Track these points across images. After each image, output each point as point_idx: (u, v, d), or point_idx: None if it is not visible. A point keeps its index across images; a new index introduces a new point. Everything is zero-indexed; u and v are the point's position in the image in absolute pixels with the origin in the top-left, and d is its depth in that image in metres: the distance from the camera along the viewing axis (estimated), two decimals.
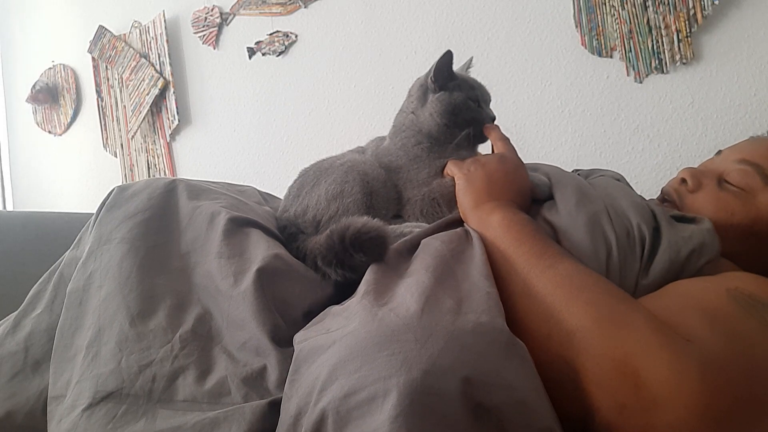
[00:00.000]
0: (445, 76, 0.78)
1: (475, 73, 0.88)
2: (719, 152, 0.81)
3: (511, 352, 0.44)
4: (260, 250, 0.63)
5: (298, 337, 0.53)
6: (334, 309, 0.56)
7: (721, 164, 0.76)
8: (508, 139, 0.78)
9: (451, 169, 0.75)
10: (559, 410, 0.44)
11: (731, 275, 0.61)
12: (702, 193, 0.74)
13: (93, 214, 0.72)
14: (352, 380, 0.40)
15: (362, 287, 0.55)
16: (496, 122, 0.82)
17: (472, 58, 0.88)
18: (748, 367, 0.45)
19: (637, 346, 0.45)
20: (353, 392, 0.39)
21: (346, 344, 0.43)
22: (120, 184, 0.74)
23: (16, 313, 0.68)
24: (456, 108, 0.77)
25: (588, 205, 0.67)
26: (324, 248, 0.63)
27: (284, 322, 0.56)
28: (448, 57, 0.77)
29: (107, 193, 0.72)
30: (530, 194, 0.73)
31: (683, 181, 0.77)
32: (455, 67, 0.82)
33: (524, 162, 0.77)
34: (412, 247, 0.63)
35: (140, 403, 0.52)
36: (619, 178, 0.81)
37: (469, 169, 0.73)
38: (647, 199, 0.78)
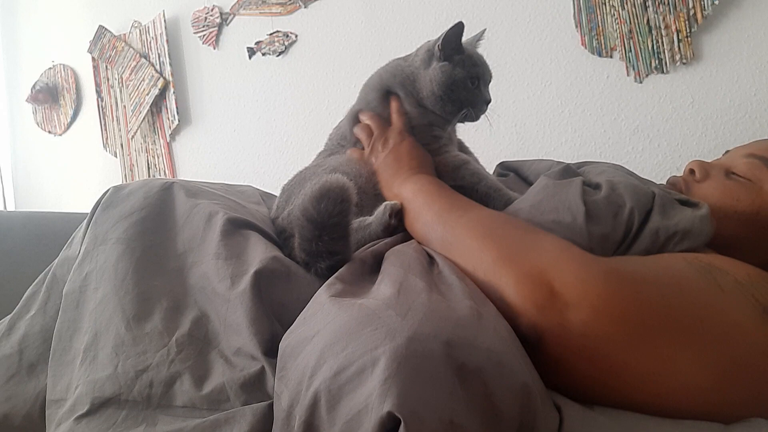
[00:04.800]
0: (452, 47, 0.78)
1: None
2: (727, 152, 0.81)
3: (484, 323, 0.45)
4: (258, 252, 0.63)
5: (282, 340, 0.52)
6: (308, 304, 0.56)
7: (729, 160, 0.77)
8: (404, 114, 0.81)
9: (361, 137, 0.82)
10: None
11: (700, 253, 0.62)
12: (709, 182, 0.75)
13: None
14: (340, 359, 0.40)
15: (332, 282, 0.54)
16: (490, 106, 0.81)
17: (484, 30, 0.87)
18: (671, 293, 0.50)
19: (547, 263, 0.51)
20: (342, 369, 0.39)
21: (330, 330, 0.44)
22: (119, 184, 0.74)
23: (11, 315, 0.68)
24: (454, 84, 0.77)
25: (561, 177, 0.69)
26: (298, 233, 0.63)
27: (283, 327, 0.55)
28: (458, 28, 0.76)
29: (103, 193, 0.72)
30: (433, 164, 0.79)
31: (692, 171, 0.77)
32: (467, 36, 0.81)
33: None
34: (379, 255, 0.62)
35: (140, 409, 0.52)
36: (617, 168, 0.81)
37: (378, 151, 0.79)
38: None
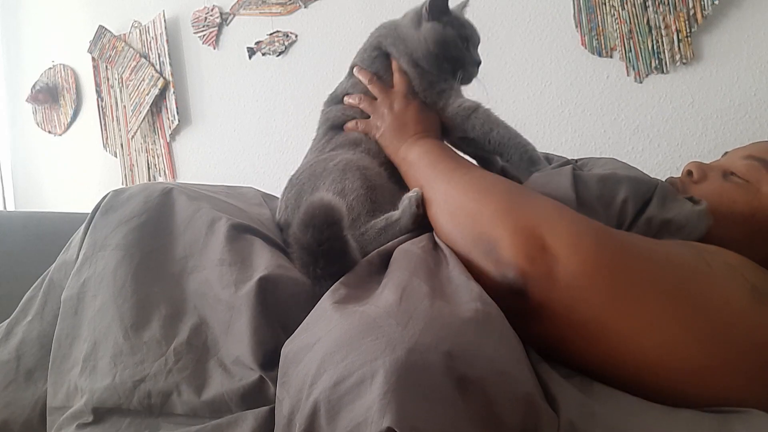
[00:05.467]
0: (440, 9, 0.78)
1: None
2: (726, 153, 0.81)
3: (488, 328, 0.44)
4: (263, 258, 0.61)
5: (285, 346, 0.51)
6: (312, 311, 0.55)
7: (727, 161, 0.77)
8: (405, 73, 0.80)
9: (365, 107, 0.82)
10: (487, 279, 0.52)
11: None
12: (706, 183, 0.74)
13: None
14: (340, 368, 0.40)
15: (337, 288, 0.53)
16: (480, 67, 0.81)
17: None
18: (659, 258, 0.52)
19: (541, 219, 0.53)
20: (342, 380, 0.39)
21: (331, 338, 0.44)
22: (120, 184, 0.74)
23: (8, 320, 0.68)
24: (446, 42, 0.77)
25: (555, 167, 0.70)
26: (295, 258, 0.60)
27: (287, 334, 0.53)
28: None
29: (102, 196, 0.71)
30: (439, 127, 0.79)
31: (689, 173, 0.77)
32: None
33: None
34: (387, 255, 0.61)
35: (142, 417, 0.52)
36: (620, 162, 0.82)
37: (384, 116, 0.79)
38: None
